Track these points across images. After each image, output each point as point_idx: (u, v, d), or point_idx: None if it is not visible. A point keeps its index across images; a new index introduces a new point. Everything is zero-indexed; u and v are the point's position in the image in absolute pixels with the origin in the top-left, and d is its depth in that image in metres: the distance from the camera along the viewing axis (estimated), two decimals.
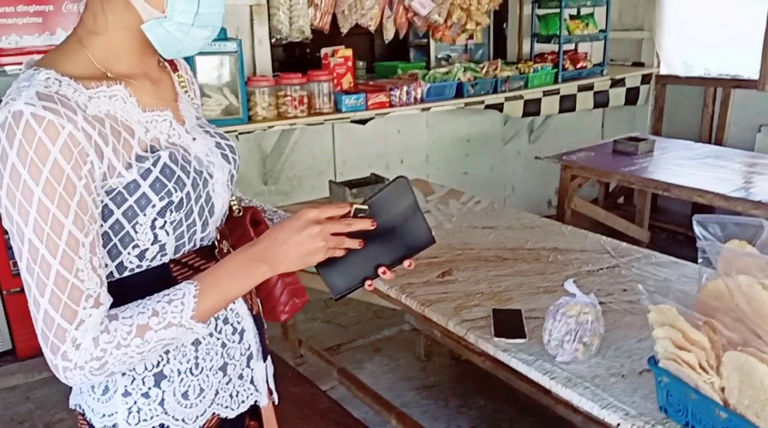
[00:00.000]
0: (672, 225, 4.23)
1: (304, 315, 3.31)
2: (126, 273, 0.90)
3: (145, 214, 0.86)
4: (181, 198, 0.89)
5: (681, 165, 3.26)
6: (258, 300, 1.11)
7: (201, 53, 2.85)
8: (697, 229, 1.40)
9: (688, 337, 1.14)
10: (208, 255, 0.98)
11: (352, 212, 0.90)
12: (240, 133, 3.05)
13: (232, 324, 1.01)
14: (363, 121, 3.41)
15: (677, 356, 1.17)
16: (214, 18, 0.91)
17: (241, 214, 1.07)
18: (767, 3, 3.68)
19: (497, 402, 2.65)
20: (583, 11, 4.24)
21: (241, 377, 1.04)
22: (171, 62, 1.05)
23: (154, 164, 0.87)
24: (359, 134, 3.70)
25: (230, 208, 1.07)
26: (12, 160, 0.77)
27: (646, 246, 3.06)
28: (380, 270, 0.93)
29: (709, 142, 4.17)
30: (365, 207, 0.91)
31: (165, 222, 0.88)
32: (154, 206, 0.86)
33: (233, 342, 1.01)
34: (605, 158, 3.46)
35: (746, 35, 3.88)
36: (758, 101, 4.02)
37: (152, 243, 0.89)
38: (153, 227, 0.88)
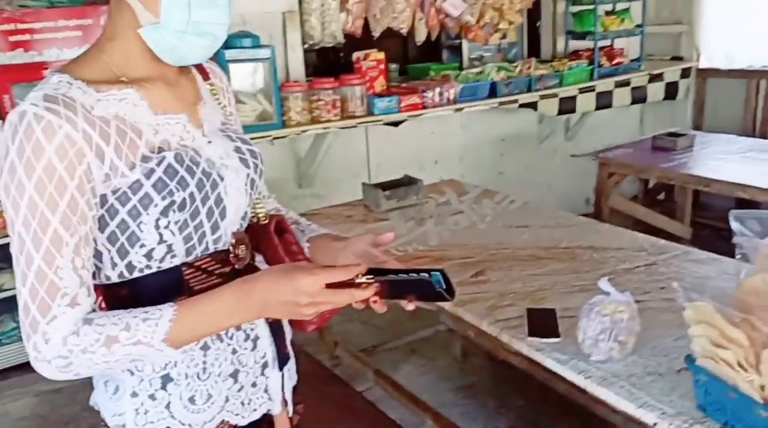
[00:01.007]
0: (715, 221, 4.11)
1: (340, 316, 3.30)
2: (136, 274, 0.92)
3: (148, 213, 0.88)
4: (184, 198, 0.89)
5: (722, 159, 3.18)
6: None
7: (234, 60, 2.92)
8: (734, 225, 1.37)
9: (726, 335, 1.11)
10: (223, 259, 0.98)
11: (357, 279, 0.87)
12: (275, 138, 3.09)
13: (244, 331, 1.00)
14: (396, 124, 3.42)
15: (715, 354, 1.14)
16: (213, 27, 0.92)
17: (267, 221, 1.07)
18: None
19: (536, 402, 2.62)
20: (619, 6, 4.17)
21: (254, 385, 1.02)
22: (202, 70, 1.07)
23: (158, 164, 0.88)
24: (393, 136, 3.71)
25: (256, 215, 1.07)
26: (12, 156, 0.82)
27: (689, 243, 2.99)
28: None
29: (753, 136, 4.05)
30: (370, 278, 0.87)
31: (169, 221, 0.89)
32: (156, 205, 0.88)
33: (245, 349, 1.00)
34: (644, 154, 3.40)
35: None
36: None
37: (158, 243, 0.90)
38: (157, 226, 0.89)
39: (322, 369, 2.67)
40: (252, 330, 1.01)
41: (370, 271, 0.88)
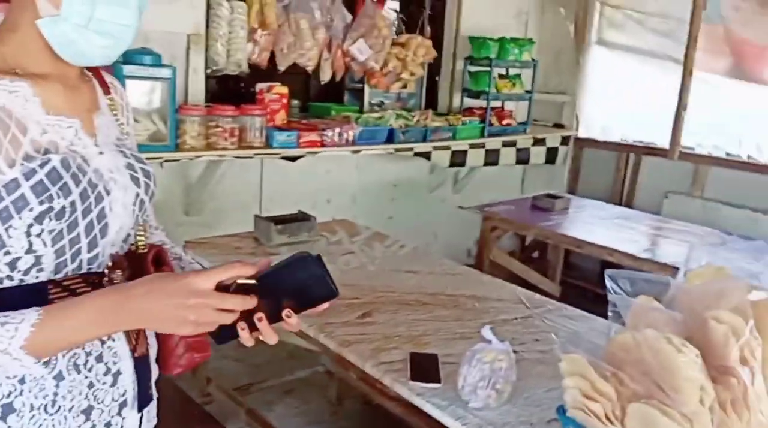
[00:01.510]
0: (582, 281, 4.41)
1: (214, 351, 3.21)
2: None
3: (20, 218, 0.81)
4: (64, 206, 0.83)
5: (593, 223, 3.43)
6: (149, 342, 1.01)
7: (133, 77, 2.81)
8: (609, 283, 1.47)
9: (596, 388, 1.19)
10: (95, 282, 0.90)
11: (234, 286, 0.83)
12: (165, 161, 2.98)
13: (106, 364, 0.92)
14: (293, 159, 3.42)
15: (585, 405, 1.21)
16: (117, 28, 0.88)
17: (145, 250, 1.00)
18: (679, 77, 3.99)
19: None
20: (512, 71, 4.45)
21: (108, 425, 0.94)
22: (104, 84, 1.02)
23: (42, 166, 0.82)
24: (288, 171, 3.69)
25: (136, 242, 1.00)
26: None
27: (557, 300, 3.18)
28: (284, 311, 0.85)
29: (620, 204, 4.41)
30: (253, 282, 0.83)
31: (42, 229, 0.83)
32: (31, 210, 0.81)
33: (104, 384, 0.92)
34: (524, 212, 3.60)
35: (660, 105, 4.18)
36: (667, 169, 4.30)
37: (26, 252, 0.83)
38: (28, 234, 0.82)
39: (193, 406, 2.56)
40: (115, 364, 0.93)
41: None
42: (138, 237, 1.00)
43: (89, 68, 1.01)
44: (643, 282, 1.52)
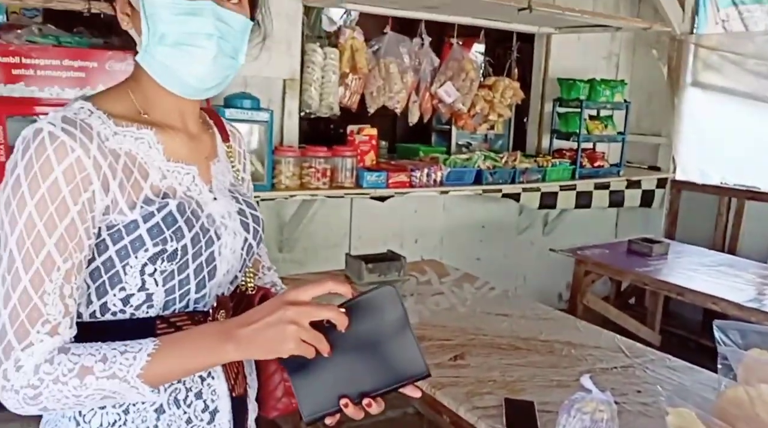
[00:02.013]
0: (683, 330, 4.18)
1: None
2: (108, 316, 0.88)
3: (136, 257, 0.85)
4: (176, 249, 0.87)
5: (695, 270, 3.26)
6: (248, 382, 1.03)
7: (233, 120, 2.95)
8: (718, 334, 1.40)
9: None
10: (199, 321, 0.92)
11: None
12: (262, 200, 3.09)
13: (204, 401, 0.94)
14: (382, 198, 3.46)
15: None
16: (193, 38, 0.87)
17: (254, 292, 1.04)
18: None
19: None
20: (603, 113, 4.36)
21: None
22: (223, 131, 1.08)
23: (159, 209, 0.87)
24: (377, 211, 3.74)
25: (246, 283, 1.04)
26: (19, 170, 0.80)
27: (657, 350, 3.02)
28: (365, 401, 0.83)
29: (722, 251, 4.18)
30: (342, 310, 0.82)
31: (155, 270, 0.87)
32: (146, 250, 0.85)
33: (201, 420, 0.94)
34: (620, 257, 3.47)
35: (762, 149, 3.97)
36: None
37: (139, 290, 0.87)
38: (142, 272, 0.86)
39: None
40: (213, 401, 0.95)
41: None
42: (247, 279, 1.04)
43: (211, 116, 1.07)
44: (755, 334, 1.44)
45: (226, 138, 1.08)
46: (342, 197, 3.36)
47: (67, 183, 0.80)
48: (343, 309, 0.82)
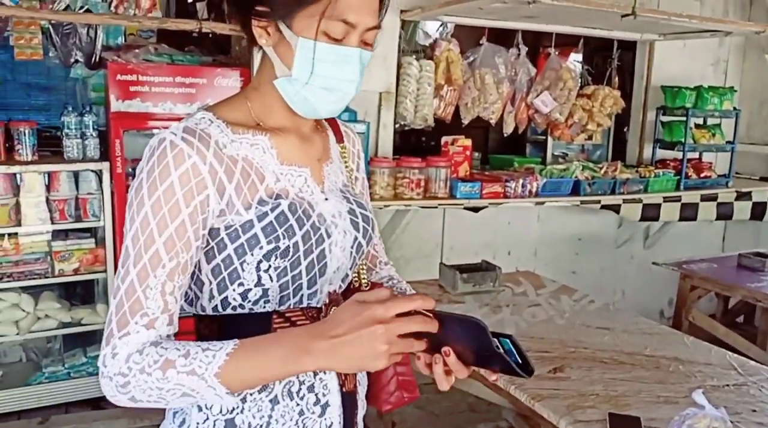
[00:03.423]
0: None
1: None
2: (229, 311, 0.94)
3: (252, 254, 0.90)
4: (288, 246, 0.91)
5: None
6: (358, 379, 1.05)
7: None
8: None
9: None
10: (313, 316, 0.97)
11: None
12: None
13: (316, 394, 0.97)
14: (476, 209, 3.44)
15: None
16: (342, 84, 0.93)
17: (368, 288, 1.06)
18: None
19: None
20: (710, 121, 4.16)
21: None
22: (338, 132, 1.11)
23: (272, 209, 0.91)
24: (470, 221, 3.72)
25: (359, 279, 1.07)
26: (142, 175, 0.88)
27: None
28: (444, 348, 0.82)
29: None
30: (430, 315, 0.81)
31: (270, 266, 0.91)
32: (261, 248, 0.90)
33: (312, 413, 0.97)
34: (728, 271, 3.28)
35: None
36: None
37: (255, 285, 0.92)
38: (258, 269, 0.91)
39: None
40: (324, 395, 0.98)
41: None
42: (362, 275, 1.07)
43: (326, 119, 1.10)
44: None
45: (340, 139, 1.11)
46: (435, 207, 3.37)
47: (182, 186, 0.87)
48: (431, 315, 0.81)
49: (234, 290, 0.93)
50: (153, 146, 0.89)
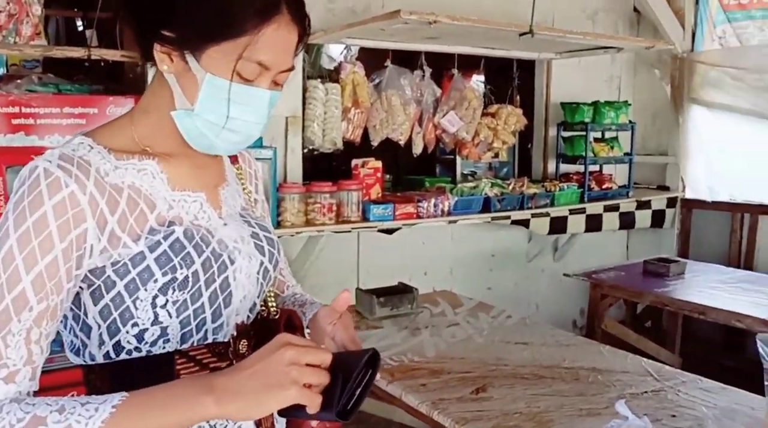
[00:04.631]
0: (702, 351, 4.07)
1: None
2: (123, 356, 0.83)
3: (146, 289, 0.81)
4: (187, 276, 0.83)
5: (714, 288, 3.18)
6: (275, 418, 0.97)
7: None
8: (762, 350, 1.32)
9: None
10: (220, 352, 0.89)
11: None
12: None
13: None
14: (390, 231, 3.41)
15: None
16: (248, 126, 0.88)
17: (277, 315, 0.98)
18: None
19: None
20: (608, 135, 4.33)
21: None
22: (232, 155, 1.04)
23: (165, 237, 0.83)
24: (384, 244, 3.68)
25: (266, 306, 0.99)
26: (9, 205, 0.77)
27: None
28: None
29: (739, 267, 4.09)
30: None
31: (167, 300, 0.82)
32: (156, 281, 0.81)
33: None
34: (636, 278, 3.39)
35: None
36: None
37: (152, 323, 0.83)
38: (154, 305, 0.82)
39: None
40: None
41: None
42: (269, 304, 0.99)
43: None
44: None
45: (234, 160, 1.05)
46: (349, 231, 3.31)
47: (57, 217, 0.76)
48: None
49: (128, 332, 0.83)
50: (24, 176, 0.78)
